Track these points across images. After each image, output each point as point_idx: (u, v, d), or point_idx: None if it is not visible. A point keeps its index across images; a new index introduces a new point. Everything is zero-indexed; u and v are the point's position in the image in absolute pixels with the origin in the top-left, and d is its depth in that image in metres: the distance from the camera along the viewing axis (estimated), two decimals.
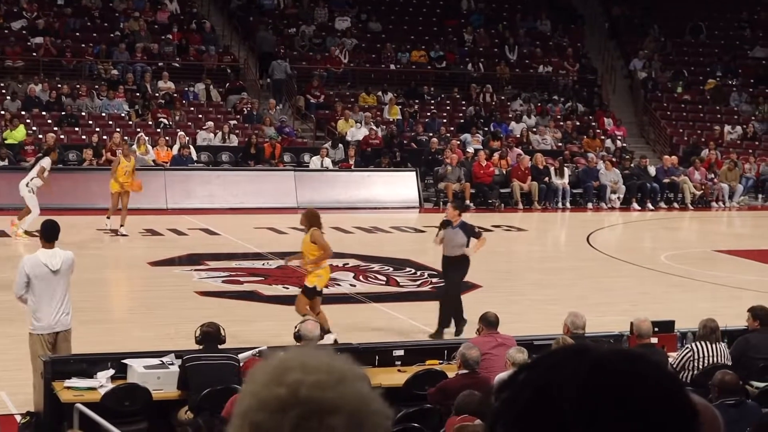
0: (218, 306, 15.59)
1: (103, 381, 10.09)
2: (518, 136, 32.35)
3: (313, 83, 33.17)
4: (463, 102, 34.50)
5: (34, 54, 31.81)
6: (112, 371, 10.29)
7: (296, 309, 13.32)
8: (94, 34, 33.10)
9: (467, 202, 26.95)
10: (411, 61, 35.49)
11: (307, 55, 34.90)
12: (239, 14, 35.63)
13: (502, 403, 1.56)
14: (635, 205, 29.35)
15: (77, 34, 32.99)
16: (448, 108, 34.16)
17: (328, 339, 12.59)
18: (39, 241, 11.02)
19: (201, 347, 10.34)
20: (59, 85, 30.75)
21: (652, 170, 30.51)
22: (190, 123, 30.44)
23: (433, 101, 34.43)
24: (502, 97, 35.19)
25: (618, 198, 29.39)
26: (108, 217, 22.07)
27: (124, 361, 10.42)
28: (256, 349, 10.69)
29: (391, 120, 32.36)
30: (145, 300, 16.85)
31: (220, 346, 10.40)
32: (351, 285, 17.54)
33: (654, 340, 11.05)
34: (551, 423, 1.50)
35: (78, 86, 30.74)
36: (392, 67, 35.12)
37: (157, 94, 31.36)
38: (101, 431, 9.20)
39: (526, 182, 28.60)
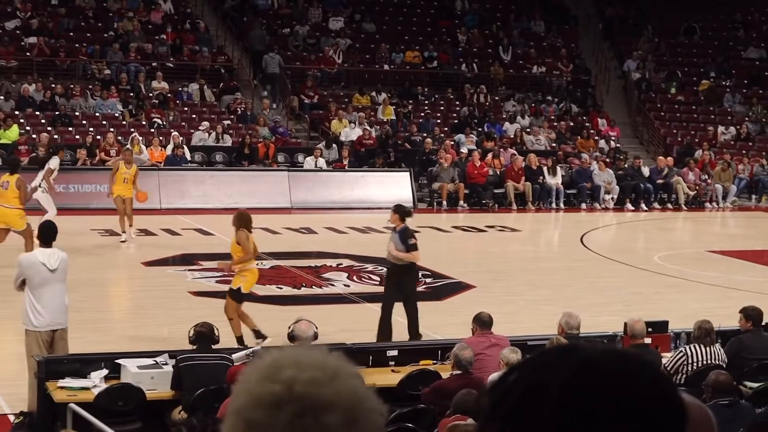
0: (211, 306, 15.56)
1: (96, 381, 10.08)
2: (512, 136, 32.35)
3: (307, 83, 33.15)
4: (457, 102, 34.51)
5: (28, 54, 31.77)
6: (105, 371, 10.29)
7: (225, 312, 13.19)
8: (88, 34, 33.07)
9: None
10: (405, 61, 35.48)
11: (301, 55, 34.90)
12: (233, 14, 35.61)
13: (492, 403, 1.57)
14: (629, 206, 29.37)
15: (71, 34, 32.95)
16: (442, 108, 34.16)
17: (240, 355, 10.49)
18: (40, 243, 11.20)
19: (195, 347, 10.35)
20: (53, 85, 30.70)
21: (645, 171, 30.54)
22: (184, 123, 30.42)
23: (427, 101, 34.42)
24: (496, 98, 35.20)
25: (612, 198, 29.40)
26: (123, 231, 20.74)
27: (118, 361, 10.43)
28: (250, 349, 10.69)
29: (385, 120, 32.36)
30: (139, 300, 16.85)
31: (213, 346, 10.41)
32: (345, 285, 17.54)
33: (648, 340, 11.03)
34: (540, 422, 1.50)
35: (72, 86, 30.68)
36: (386, 67, 35.12)
37: (150, 94, 31.31)
38: (95, 431, 9.19)
39: (519, 183, 28.60)
